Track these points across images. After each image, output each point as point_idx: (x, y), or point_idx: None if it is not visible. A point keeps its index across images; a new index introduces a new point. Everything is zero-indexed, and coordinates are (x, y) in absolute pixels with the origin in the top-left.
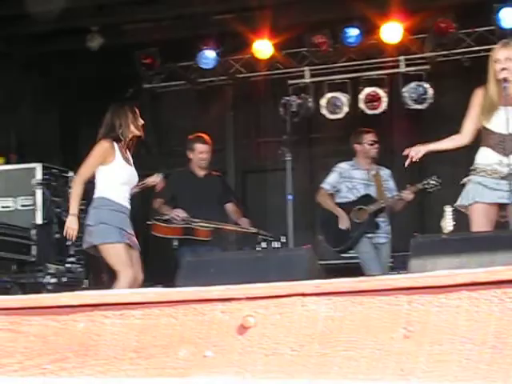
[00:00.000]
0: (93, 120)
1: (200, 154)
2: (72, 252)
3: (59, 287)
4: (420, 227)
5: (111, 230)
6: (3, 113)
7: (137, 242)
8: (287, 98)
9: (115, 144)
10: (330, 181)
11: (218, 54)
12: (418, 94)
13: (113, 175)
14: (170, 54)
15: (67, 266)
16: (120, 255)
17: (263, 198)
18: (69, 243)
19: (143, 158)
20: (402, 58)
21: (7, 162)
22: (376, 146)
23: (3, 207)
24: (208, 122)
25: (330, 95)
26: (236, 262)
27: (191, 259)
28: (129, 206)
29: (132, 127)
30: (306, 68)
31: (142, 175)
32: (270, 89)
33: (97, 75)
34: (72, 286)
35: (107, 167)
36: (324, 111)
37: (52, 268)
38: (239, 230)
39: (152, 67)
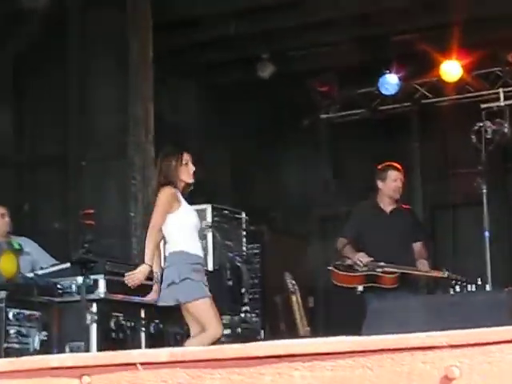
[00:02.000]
0: (264, 157)
1: (394, 181)
2: (246, 300)
3: (233, 339)
4: None
5: (197, 285)
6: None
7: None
8: (480, 123)
9: (177, 190)
10: None
11: (400, 78)
12: None
13: (182, 222)
14: (348, 81)
15: (241, 315)
16: (210, 310)
17: (455, 235)
18: (243, 291)
19: (319, 195)
20: None
21: None
22: None
23: None
24: (391, 153)
25: None
26: (427, 308)
27: (377, 306)
28: (202, 255)
29: (182, 175)
30: (501, 90)
31: (319, 216)
32: (460, 114)
33: (269, 106)
34: (247, 337)
35: (175, 215)
36: None
37: (226, 318)
38: (429, 274)
39: (328, 95)
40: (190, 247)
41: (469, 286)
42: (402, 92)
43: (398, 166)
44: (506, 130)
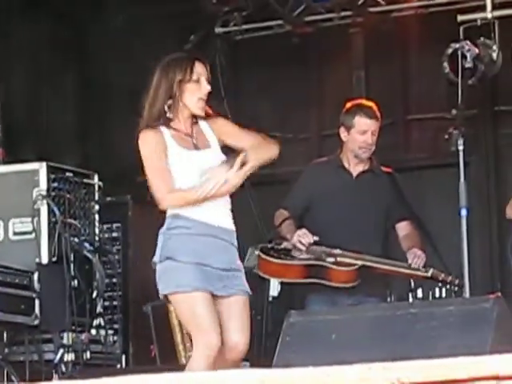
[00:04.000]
0: (129, 93)
1: (362, 134)
2: (100, 309)
3: (79, 369)
4: None
5: (183, 270)
6: None
7: (243, 283)
8: (456, 45)
9: (163, 129)
10: None
11: None
12: None
13: (175, 176)
14: None
15: (92, 332)
16: (195, 311)
17: (418, 210)
18: (95, 295)
19: None
20: None
21: None
22: None
23: None
24: (323, 87)
25: None
26: (371, 324)
27: (298, 319)
28: (221, 223)
29: (186, 97)
30: None
31: None
32: (427, 31)
33: (143, 17)
34: (101, 365)
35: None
36: None
37: (67, 337)
38: (406, 271)
39: (228, 0)
40: (187, 209)
41: (437, 289)
42: None
43: (374, 108)
44: (494, 56)
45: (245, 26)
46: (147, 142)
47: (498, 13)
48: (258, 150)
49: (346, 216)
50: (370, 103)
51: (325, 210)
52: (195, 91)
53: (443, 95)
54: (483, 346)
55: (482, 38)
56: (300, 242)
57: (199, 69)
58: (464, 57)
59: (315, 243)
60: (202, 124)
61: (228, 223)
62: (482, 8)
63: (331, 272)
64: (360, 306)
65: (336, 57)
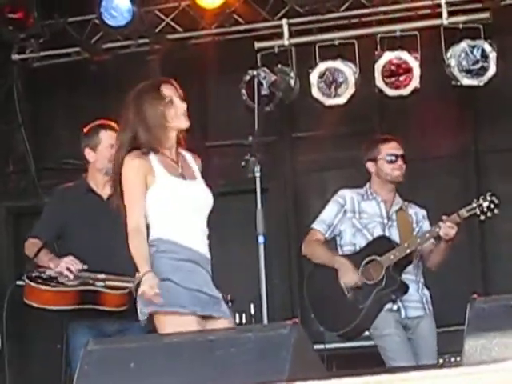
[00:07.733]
0: None
1: (110, 148)
2: None
3: None
4: (482, 284)
5: (179, 291)
6: None
7: (226, 309)
8: (253, 72)
9: (151, 156)
10: (327, 217)
11: (133, 1)
12: (471, 60)
13: (162, 202)
14: (54, 5)
15: None
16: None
17: (215, 237)
18: None
19: (12, 179)
20: (444, 0)
21: None
22: (400, 163)
23: None
24: (118, 115)
25: (324, 66)
26: (172, 352)
27: (96, 347)
28: (204, 251)
29: (170, 119)
30: (284, 21)
31: (14, 209)
32: (224, 58)
33: None
34: None
35: (150, 193)
36: (315, 93)
37: None
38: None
39: (24, 26)
40: (174, 234)
41: (237, 315)
42: (136, 22)
43: (113, 124)
44: (291, 83)
45: (42, 53)
46: (130, 169)
47: (294, 40)
48: None
49: (101, 239)
50: (110, 121)
51: (78, 235)
52: (172, 113)
53: (242, 122)
54: (281, 373)
55: (279, 65)
56: (68, 269)
57: (167, 90)
58: (260, 84)
59: (82, 270)
60: (187, 155)
61: (207, 251)
62: (279, 35)
63: (104, 296)
64: (152, 333)
65: (134, 84)
